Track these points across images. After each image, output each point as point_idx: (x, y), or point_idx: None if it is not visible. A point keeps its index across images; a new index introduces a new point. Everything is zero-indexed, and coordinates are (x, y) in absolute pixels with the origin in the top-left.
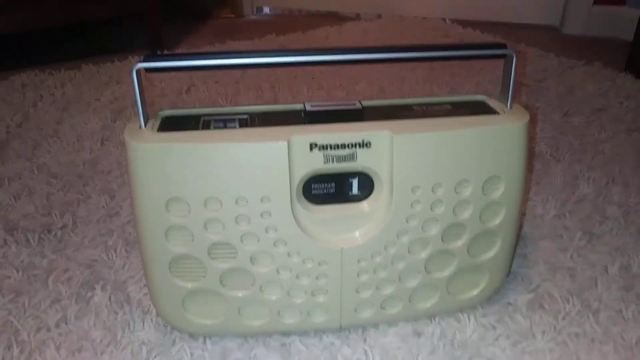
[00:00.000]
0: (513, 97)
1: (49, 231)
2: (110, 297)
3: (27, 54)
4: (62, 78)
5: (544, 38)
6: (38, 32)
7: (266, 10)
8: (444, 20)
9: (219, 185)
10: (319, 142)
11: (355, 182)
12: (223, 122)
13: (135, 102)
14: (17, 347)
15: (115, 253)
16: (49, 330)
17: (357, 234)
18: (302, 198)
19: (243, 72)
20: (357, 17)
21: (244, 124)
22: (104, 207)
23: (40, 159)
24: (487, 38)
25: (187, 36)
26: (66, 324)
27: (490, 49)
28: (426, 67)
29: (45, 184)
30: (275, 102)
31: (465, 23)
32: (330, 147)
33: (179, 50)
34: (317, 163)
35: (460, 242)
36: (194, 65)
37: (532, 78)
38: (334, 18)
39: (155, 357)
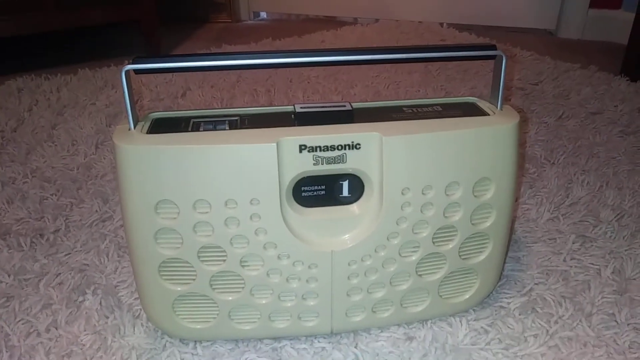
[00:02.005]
0: (503, 99)
1: (42, 235)
2: (101, 302)
3: (23, 58)
4: (58, 82)
5: (539, 42)
6: (35, 37)
7: (263, 14)
8: (441, 24)
9: (208, 188)
10: (308, 144)
11: (345, 185)
12: (213, 124)
13: (125, 103)
14: (7, 352)
15: (107, 257)
16: (39, 335)
17: (347, 236)
18: (292, 200)
19: (239, 76)
20: (355, 22)
21: (233, 125)
22: (97, 211)
23: (34, 163)
24: (483, 42)
25: (184, 41)
26: (56, 328)
27: (480, 50)
28: (422, 71)
29: (39, 188)
30: (271, 105)
31: (461, 27)
32: (320, 149)
33: None
34: (306, 165)
35: (451, 245)
36: (183, 66)
37: (528, 81)
38: (331, 23)
39: None
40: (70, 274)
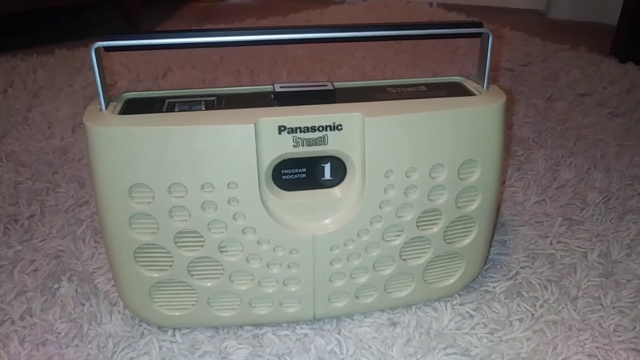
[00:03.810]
0: (490, 78)
1: (16, 221)
2: (76, 289)
3: (0, 39)
4: (35, 63)
5: (529, 22)
6: (11, 16)
7: None
8: (430, 4)
9: (184, 171)
10: (288, 125)
11: (327, 167)
12: (188, 104)
13: (95, 83)
14: None
15: (84, 243)
16: (13, 323)
17: (329, 220)
18: (272, 184)
19: (221, 57)
20: (342, 1)
21: (210, 106)
22: (73, 196)
23: (9, 146)
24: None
25: (165, 21)
26: (31, 316)
27: (466, 27)
28: (410, 52)
29: (14, 172)
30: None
31: (450, 7)
32: (300, 130)
33: None
34: (286, 147)
35: (435, 229)
36: (156, 43)
37: (517, 62)
38: (318, 2)
39: (122, 350)
40: (46, 260)
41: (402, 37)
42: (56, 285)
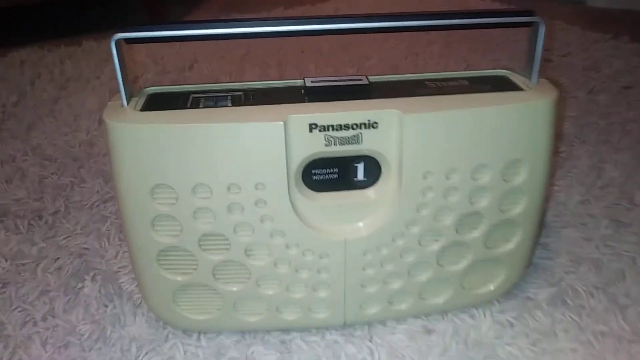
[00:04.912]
0: (539, 72)
1: (40, 217)
2: (100, 289)
3: (28, 29)
4: (62, 55)
5: (568, 11)
6: (39, 7)
7: None
8: None
9: (209, 171)
10: (320, 122)
11: (360, 167)
12: (214, 100)
13: (116, 77)
14: (1, 342)
15: (108, 241)
16: (35, 324)
17: (362, 224)
18: (302, 184)
19: (248, 48)
20: None
21: (237, 101)
22: (98, 191)
23: (35, 140)
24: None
25: (191, 10)
26: (53, 317)
27: (515, 16)
28: (442, 42)
29: (39, 166)
30: (281, 79)
31: None
32: (332, 128)
33: None
34: (317, 146)
35: (476, 233)
36: (178, 35)
37: (556, 53)
38: None
39: (145, 354)
40: (69, 258)
41: (443, 27)
42: (80, 285)
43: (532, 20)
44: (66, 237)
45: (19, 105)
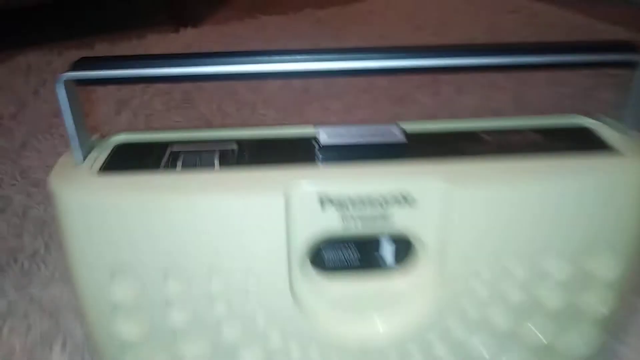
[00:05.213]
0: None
1: (15, 260)
2: None
3: (38, 30)
4: (72, 59)
5: (627, 14)
6: (51, 7)
7: None
8: None
9: (185, 252)
10: (334, 196)
11: (387, 246)
12: (197, 156)
13: (66, 128)
14: None
15: None
16: None
17: (386, 322)
18: (308, 267)
19: None
20: None
21: (226, 160)
22: None
23: (26, 161)
24: (578, 20)
25: (215, 10)
26: None
27: (608, 53)
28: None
29: (25, 194)
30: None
31: None
32: (352, 204)
33: (205, 27)
34: (331, 225)
35: (544, 339)
36: (148, 74)
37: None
38: None
39: None
40: (40, 316)
41: (511, 66)
42: (46, 353)
43: (634, 60)
44: (41, 288)
45: (17, 117)
